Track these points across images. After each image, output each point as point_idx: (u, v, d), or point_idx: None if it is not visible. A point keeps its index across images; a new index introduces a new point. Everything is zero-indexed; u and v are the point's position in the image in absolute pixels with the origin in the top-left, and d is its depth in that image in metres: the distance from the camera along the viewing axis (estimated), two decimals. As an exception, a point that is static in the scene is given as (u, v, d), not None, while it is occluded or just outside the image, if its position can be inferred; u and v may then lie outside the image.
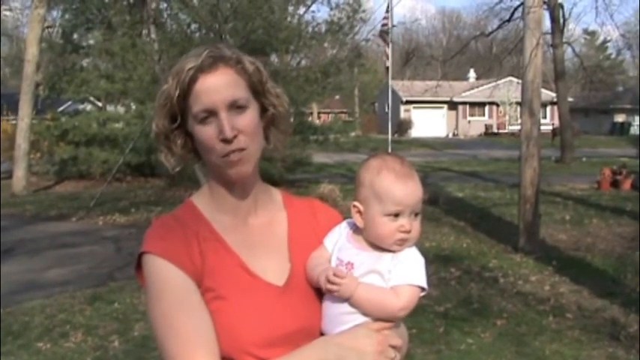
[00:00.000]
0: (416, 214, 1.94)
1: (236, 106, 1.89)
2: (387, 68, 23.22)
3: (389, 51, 22.32)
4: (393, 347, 1.90)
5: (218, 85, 1.89)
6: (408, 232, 1.92)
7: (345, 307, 1.90)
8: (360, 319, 1.89)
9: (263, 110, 2.00)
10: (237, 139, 1.87)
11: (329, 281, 1.87)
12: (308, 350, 1.86)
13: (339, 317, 1.91)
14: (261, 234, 2.03)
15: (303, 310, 1.94)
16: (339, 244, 2.01)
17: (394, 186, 1.92)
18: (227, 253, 1.94)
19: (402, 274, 1.90)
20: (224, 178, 1.96)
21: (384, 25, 21.92)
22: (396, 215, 1.92)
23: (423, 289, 1.92)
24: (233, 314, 1.84)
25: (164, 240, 1.89)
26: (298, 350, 1.85)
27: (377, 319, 1.89)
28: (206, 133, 1.88)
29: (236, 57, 1.94)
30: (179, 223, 1.95)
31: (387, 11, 21.64)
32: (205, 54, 1.90)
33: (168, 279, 1.84)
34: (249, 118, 1.91)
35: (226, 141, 1.86)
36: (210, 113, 1.87)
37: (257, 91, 1.97)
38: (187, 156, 2.00)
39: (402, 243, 1.93)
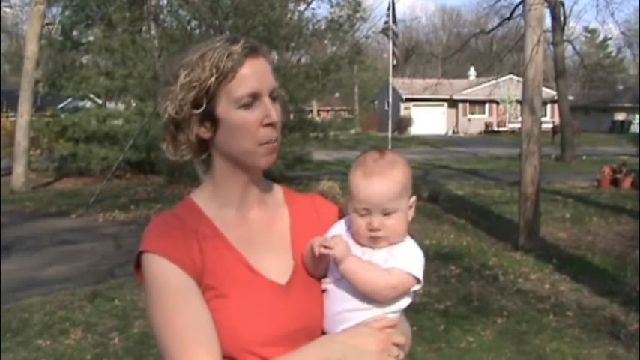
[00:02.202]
0: (388, 213, 1.91)
1: (272, 95, 1.90)
2: (395, 65, 23.19)
3: (391, 48, 22.31)
4: (397, 345, 1.89)
5: (263, 71, 1.89)
6: (376, 230, 1.91)
7: (348, 305, 1.89)
8: (363, 317, 1.88)
9: None
10: (277, 127, 1.89)
11: (323, 246, 1.86)
12: (310, 348, 1.84)
13: (341, 316, 1.90)
14: (263, 231, 2.01)
15: (305, 308, 1.92)
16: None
17: (360, 184, 1.92)
18: (228, 250, 1.92)
19: (398, 260, 1.89)
20: (247, 168, 1.94)
21: (386, 22, 21.91)
22: (365, 213, 1.92)
23: (418, 280, 1.91)
24: (234, 312, 1.83)
25: (163, 238, 1.86)
26: (301, 348, 1.84)
27: (363, 295, 1.88)
28: (249, 117, 1.86)
29: (265, 49, 1.95)
30: (178, 221, 1.92)
31: (389, 9, 21.61)
32: (244, 41, 1.89)
33: (168, 278, 1.82)
34: (278, 108, 1.92)
35: (272, 125, 1.87)
36: (255, 98, 1.86)
37: None
38: (195, 146, 1.95)
39: (375, 240, 1.92)
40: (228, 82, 1.85)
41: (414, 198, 1.99)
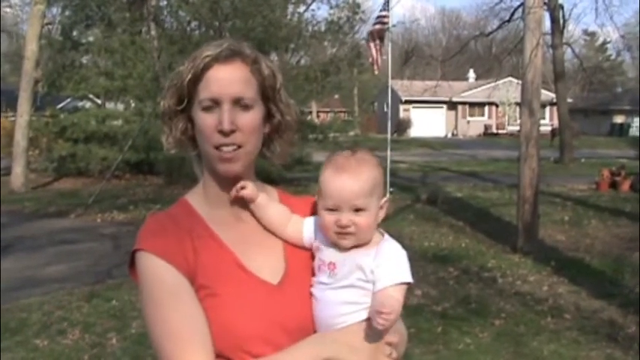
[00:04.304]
0: (358, 209, 1.91)
1: (241, 103, 1.90)
2: (371, 63, 23.02)
3: (374, 52, 22.16)
4: (389, 344, 1.90)
5: (229, 78, 1.90)
6: (344, 227, 1.91)
7: (337, 310, 1.91)
8: (352, 321, 1.90)
9: (269, 116, 2.00)
10: (234, 135, 1.88)
11: (382, 318, 1.79)
12: (303, 346, 1.86)
13: (331, 319, 1.91)
14: (256, 232, 2.03)
15: (297, 308, 1.93)
16: (318, 244, 2.00)
17: (328, 180, 1.93)
18: (221, 249, 1.94)
19: (388, 274, 1.89)
20: (215, 172, 1.96)
21: (375, 24, 21.78)
22: (334, 209, 1.92)
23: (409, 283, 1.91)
24: (227, 311, 1.84)
25: (157, 237, 1.89)
26: (294, 346, 1.85)
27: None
28: (206, 121, 1.89)
29: (254, 56, 1.96)
30: (172, 221, 1.95)
31: (382, 10, 21.49)
32: (226, 46, 1.92)
33: (161, 277, 1.84)
34: (250, 118, 1.92)
35: (223, 133, 1.87)
36: (215, 103, 1.88)
37: (267, 95, 1.98)
38: (185, 142, 2.00)
39: (344, 237, 1.92)
40: (198, 84, 1.90)
41: (385, 198, 1.99)
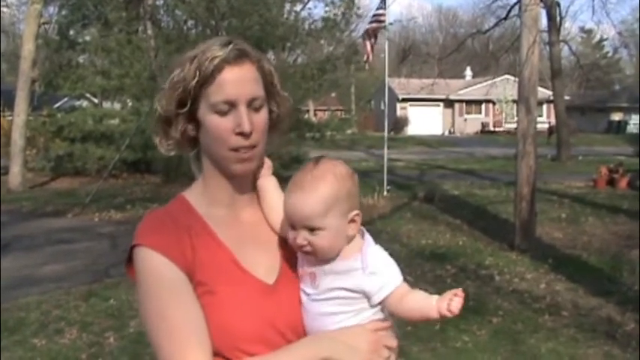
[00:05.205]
0: (312, 229, 1.87)
1: (254, 104, 1.90)
2: (366, 61, 23.01)
3: (368, 48, 22.14)
4: (388, 348, 1.90)
5: (243, 79, 1.89)
6: (300, 246, 1.89)
7: (321, 321, 1.90)
8: (344, 323, 1.90)
9: (269, 111, 2.00)
10: (252, 136, 1.88)
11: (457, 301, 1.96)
12: (302, 345, 1.87)
13: (316, 329, 1.91)
14: (254, 231, 2.03)
15: (293, 308, 1.94)
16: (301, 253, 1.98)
17: (285, 196, 1.93)
18: (219, 247, 1.93)
19: (387, 282, 1.89)
20: (225, 171, 1.96)
21: (371, 22, 21.73)
22: (292, 227, 1.90)
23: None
24: (224, 310, 1.84)
25: (156, 233, 1.88)
26: (292, 345, 1.86)
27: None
28: (222, 124, 1.87)
29: (258, 55, 1.96)
30: (171, 217, 1.95)
31: (379, 8, 21.45)
32: (232, 46, 1.90)
33: (160, 272, 1.83)
34: (263, 117, 1.93)
35: (243, 135, 1.86)
36: (231, 105, 1.87)
37: (269, 91, 1.98)
38: (184, 143, 1.99)
39: (306, 253, 1.91)
40: (208, 86, 1.88)
41: (354, 212, 1.92)
